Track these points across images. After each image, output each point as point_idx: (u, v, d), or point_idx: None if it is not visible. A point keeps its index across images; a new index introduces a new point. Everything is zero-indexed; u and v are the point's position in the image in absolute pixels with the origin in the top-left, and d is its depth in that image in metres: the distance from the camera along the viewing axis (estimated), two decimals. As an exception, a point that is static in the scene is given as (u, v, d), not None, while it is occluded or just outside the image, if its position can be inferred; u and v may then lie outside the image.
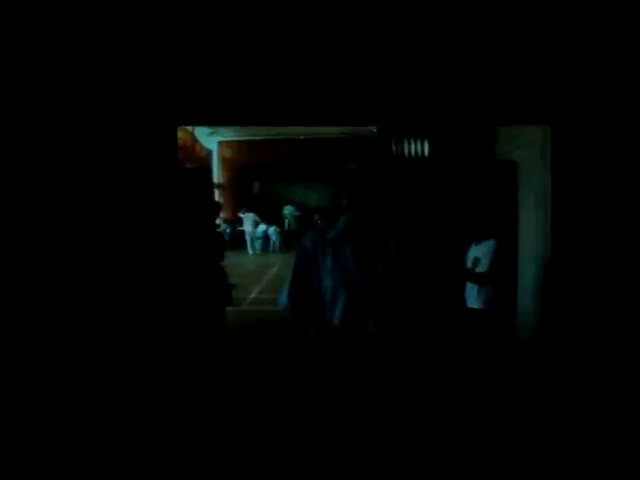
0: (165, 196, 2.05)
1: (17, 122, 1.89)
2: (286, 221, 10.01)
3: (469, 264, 2.47)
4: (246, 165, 9.73)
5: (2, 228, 1.87)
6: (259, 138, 9.16)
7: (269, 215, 9.32)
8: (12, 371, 1.85)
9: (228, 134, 8.68)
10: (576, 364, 1.96)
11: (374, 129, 4.76)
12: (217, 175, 9.26)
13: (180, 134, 5.41)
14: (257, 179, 10.10)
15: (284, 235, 9.33)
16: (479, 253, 2.46)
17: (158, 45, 1.95)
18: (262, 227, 9.17)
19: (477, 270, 2.42)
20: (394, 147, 3.37)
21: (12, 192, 1.89)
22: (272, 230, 9.27)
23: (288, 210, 10.06)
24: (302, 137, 8.90)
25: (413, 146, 3.20)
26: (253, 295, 5.34)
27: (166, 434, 1.90)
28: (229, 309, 3.30)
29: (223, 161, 9.58)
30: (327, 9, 1.92)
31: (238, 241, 8.81)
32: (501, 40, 1.94)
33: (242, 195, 9.65)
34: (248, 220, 9.03)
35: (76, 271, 1.93)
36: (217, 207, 3.13)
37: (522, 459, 1.88)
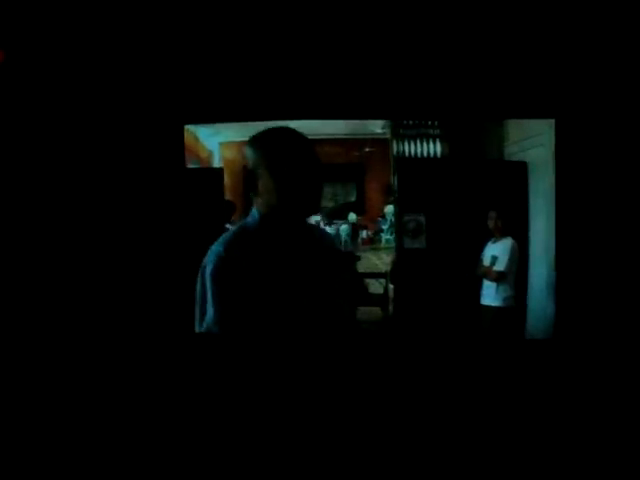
0: (172, 196, 2.04)
1: (19, 121, 1.89)
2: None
3: (486, 262, 2.52)
4: (247, 166, 9.69)
5: (6, 228, 1.88)
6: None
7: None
8: (10, 371, 1.85)
9: (229, 134, 8.61)
10: (589, 361, 1.99)
11: (378, 129, 4.78)
12: (217, 176, 9.17)
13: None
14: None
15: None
16: (496, 251, 2.51)
17: (163, 43, 1.96)
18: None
19: (495, 268, 2.47)
20: (404, 147, 3.41)
21: (15, 192, 1.89)
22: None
23: (288, 211, 10.06)
24: (303, 137, 8.82)
25: (426, 146, 3.24)
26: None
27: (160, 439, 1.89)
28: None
29: (224, 162, 9.53)
30: (333, 4, 1.93)
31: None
32: (504, 31, 1.95)
33: (243, 196, 9.59)
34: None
35: (81, 273, 1.93)
36: (231, 207, 3.15)
37: (531, 459, 1.90)
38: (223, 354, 1.13)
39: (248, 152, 1.25)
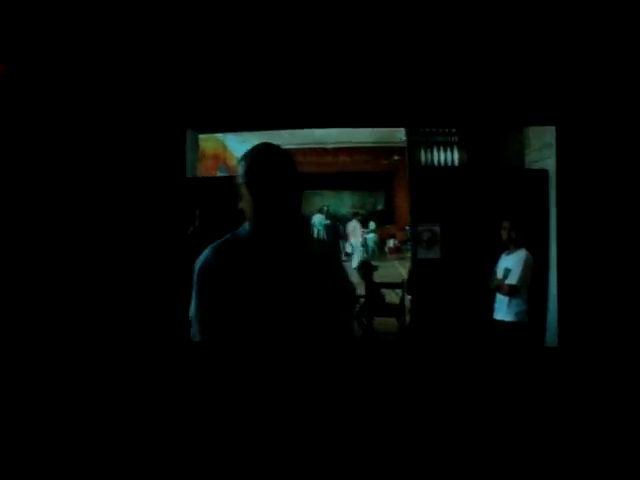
0: (174, 200, 2.06)
1: (22, 131, 1.94)
2: (315, 229, 10.07)
3: (500, 275, 2.42)
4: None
5: (7, 233, 1.92)
6: (287, 147, 9.14)
7: (298, 224, 9.38)
8: (12, 371, 1.88)
9: (256, 142, 8.65)
10: (598, 369, 1.94)
11: (404, 137, 4.73)
12: (247, 183, 9.32)
13: (211, 143, 5.45)
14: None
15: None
16: (510, 263, 2.40)
17: (166, 48, 1.97)
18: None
19: (507, 281, 2.36)
20: (420, 154, 3.36)
21: (14, 195, 1.93)
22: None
23: (317, 219, 10.15)
24: (330, 146, 8.89)
25: (443, 154, 3.17)
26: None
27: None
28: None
29: (252, 170, 9.67)
30: (352, 9, 1.93)
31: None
32: (505, 42, 1.97)
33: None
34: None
35: (83, 277, 1.95)
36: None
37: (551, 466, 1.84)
38: (207, 356, 1.17)
39: (237, 167, 1.29)
